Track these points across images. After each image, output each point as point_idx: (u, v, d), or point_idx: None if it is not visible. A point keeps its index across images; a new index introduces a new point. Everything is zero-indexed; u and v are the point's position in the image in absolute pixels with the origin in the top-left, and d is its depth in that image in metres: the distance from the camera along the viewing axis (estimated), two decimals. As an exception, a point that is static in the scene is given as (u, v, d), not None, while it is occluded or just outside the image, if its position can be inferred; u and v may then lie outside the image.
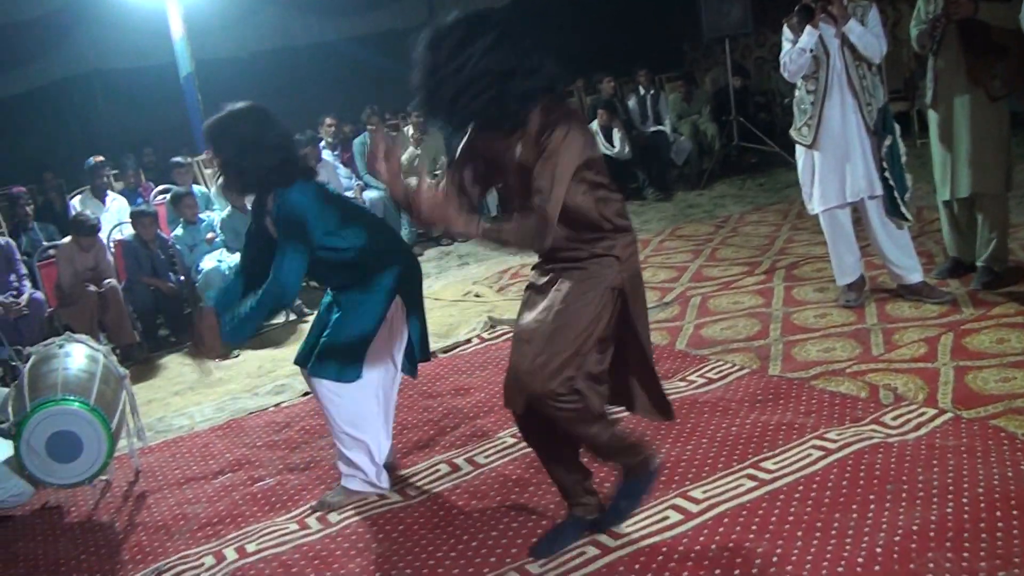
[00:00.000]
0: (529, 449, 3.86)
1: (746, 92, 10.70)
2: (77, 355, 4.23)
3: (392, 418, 3.83)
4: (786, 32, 4.89)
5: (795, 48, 4.78)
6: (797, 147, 5.05)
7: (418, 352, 3.77)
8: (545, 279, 2.90)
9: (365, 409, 3.62)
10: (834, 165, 4.86)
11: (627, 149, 9.73)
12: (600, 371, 2.93)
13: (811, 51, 4.76)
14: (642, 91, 10.59)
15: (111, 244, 7.37)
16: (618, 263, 2.83)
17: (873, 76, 4.81)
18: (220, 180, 3.53)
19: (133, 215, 7.30)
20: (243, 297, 3.49)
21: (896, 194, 4.82)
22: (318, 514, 3.69)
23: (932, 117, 5.09)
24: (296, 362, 3.78)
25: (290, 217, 3.38)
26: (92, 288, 6.75)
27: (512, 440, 4.01)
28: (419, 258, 8.26)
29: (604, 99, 10.28)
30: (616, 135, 9.75)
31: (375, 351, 3.59)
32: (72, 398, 3.86)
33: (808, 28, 4.72)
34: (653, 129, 10.26)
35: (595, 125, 9.90)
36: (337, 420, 3.59)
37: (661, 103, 10.58)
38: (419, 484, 3.82)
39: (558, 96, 2.84)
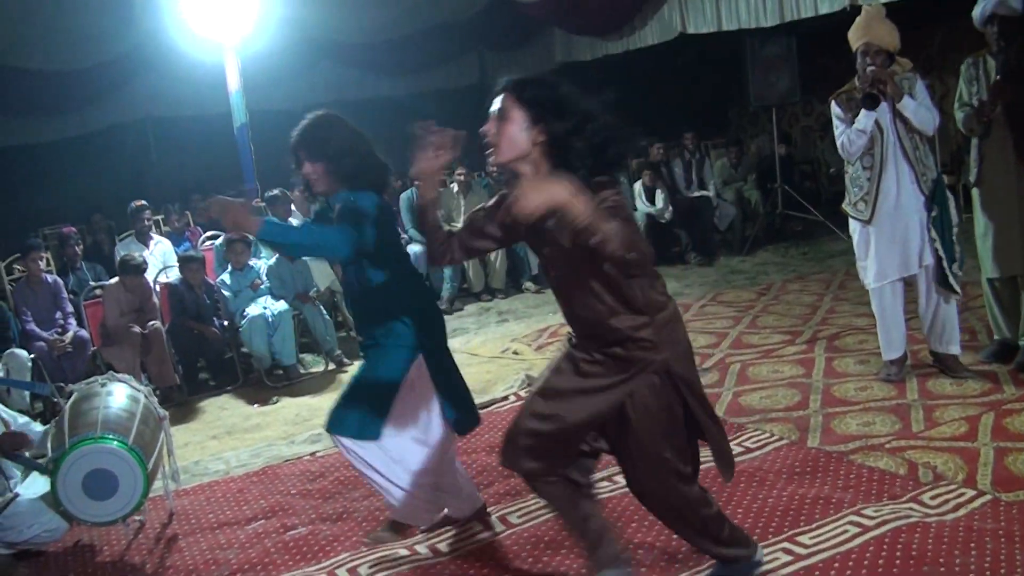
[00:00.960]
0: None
1: (791, 160, 10.73)
2: (119, 394, 4.26)
3: (456, 472, 3.82)
4: (835, 109, 4.89)
5: (853, 129, 4.75)
6: (852, 222, 5.02)
7: (449, 411, 3.69)
8: (591, 364, 2.84)
9: (393, 460, 3.60)
10: (892, 240, 4.82)
11: (669, 210, 9.77)
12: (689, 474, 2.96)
13: (869, 132, 4.73)
14: (687, 155, 10.64)
15: (156, 286, 7.48)
16: (656, 349, 2.77)
17: (925, 146, 4.80)
18: (317, 187, 3.58)
19: (181, 259, 7.42)
20: None
21: (945, 264, 4.78)
22: (348, 567, 3.67)
23: (976, 194, 5.06)
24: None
25: (353, 209, 3.42)
26: (136, 329, 6.85)
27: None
28: (459, 313, 8.48)
29: (650, 161, 10.34)
30: (659, 196, 9.81)
31: (400, 412, 3.57)
32: (111, 436, 3.88)
33: (864, 112, 4.68)
34: (697, 194, 10.28)
35: (638, 186, 9.96)
36: (368, 474, 3.59)
37: (706, 168, 10.61)
38: (451, 541, 3.80)
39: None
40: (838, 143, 4.91)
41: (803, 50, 10.13)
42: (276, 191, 8.39)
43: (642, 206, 9.88)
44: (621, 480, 4.05)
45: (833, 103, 4.92)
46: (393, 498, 3.65)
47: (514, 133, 2.73)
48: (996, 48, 4.79)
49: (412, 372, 3.56)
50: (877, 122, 4.73)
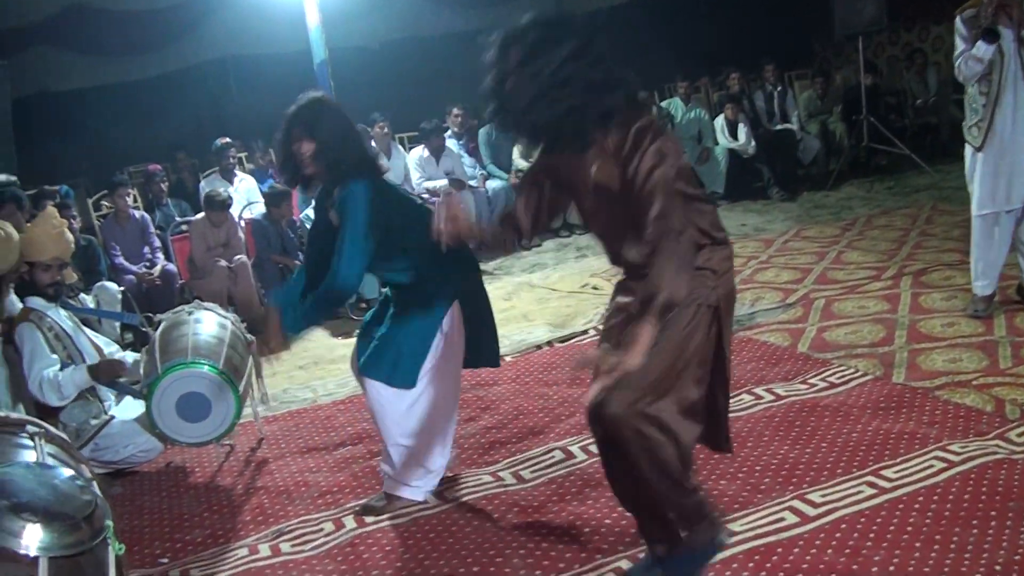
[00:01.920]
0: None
1: (877, 92, 10.39)
2: (207, 321, 4.37)
3: (452, 432, 3.76)
4: (959, 27, 4.67)
5: (971, 55, 4.58)
6: (967, 146, 4.85)
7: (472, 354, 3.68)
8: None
9: (418, 418, 3.55)
10: (997, 170, 4.67)
11: (752, 144, 9.60)
12: (694, 401, 2.61)
13: (986, 61, 4.55)
14: (769, 87, 10.40)
15: (241, 222, 7.62)
16: (714, 277, 2.61)
17: None
18: (307, 168, 3.44)
19: (267, 196, 7.52)
20: (303, 295, 3.49)
21: None
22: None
23: None
24: (352, 364, 3.77)
25: (357, 207, 3.34)
26: (223, 263, 7.01)
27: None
28: (537, 249, 8.47)
29: (731, 94, 10.14)
30: (742, 130, 9.64)
31: (437, 363, 3.53)
32: (202, 361, 3.99)
33: (983, 41, 4.50)
34: (780, 127, 10.07)
35: (720, 120, 9.79)
36: (386, 423, 3.54)
37: (788, 100, 10.36)
38: (533, 469, 3.86)
39: (636, 106, 2.58)
40: (955, 64, 4.72)
41: (889, -27, 9.76)
42: (358, 126, 8.45)
43: (724, 141, 9.72)
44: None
45: (958, 20, 4.70)
46: (391, 461, 3.61)
47: None
48: None
49: (446, 322, 3.52)
50: (1000, 46, 4.53)
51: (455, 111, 9.49)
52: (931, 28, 12.35)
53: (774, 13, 12.47)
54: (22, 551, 1.99)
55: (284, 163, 3.53)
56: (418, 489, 3.65)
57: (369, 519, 3.61)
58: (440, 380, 3.57)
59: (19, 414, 2.89)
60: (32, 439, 2.47)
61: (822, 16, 10.72)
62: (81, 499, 2.17)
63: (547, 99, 2.41)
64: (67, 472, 2.28)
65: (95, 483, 2.42)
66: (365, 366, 3.50)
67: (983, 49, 4.52)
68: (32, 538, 2.01)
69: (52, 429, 2.64)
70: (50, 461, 2.38)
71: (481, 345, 3.69)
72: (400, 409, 3.51)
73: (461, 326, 3.59)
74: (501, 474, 3.84)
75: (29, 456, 2.37)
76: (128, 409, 4.47)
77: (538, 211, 2.85)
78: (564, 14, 2.56)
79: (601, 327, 2.85)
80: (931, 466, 3.40)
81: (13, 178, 7.47)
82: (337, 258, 3.34)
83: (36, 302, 4.34)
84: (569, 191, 2.77)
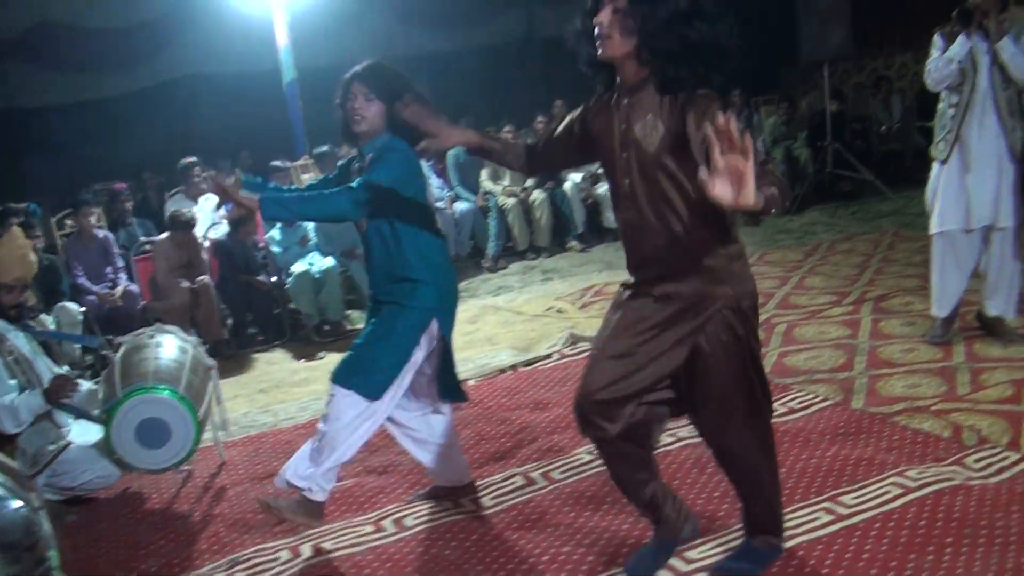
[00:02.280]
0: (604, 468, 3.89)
1: (843, 118, 10.54)
2: (168, 345, 4.34)
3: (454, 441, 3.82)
4: (936, 40, 4.69)
5: (943, 56, 4.59)
6: (934, 165, 4.84)
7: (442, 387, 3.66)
8: (661, 304, 2.71)
9: (362, 433, 3.50)
10: (960, 187, 4.68)
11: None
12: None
13: (959, 63, 4.56)
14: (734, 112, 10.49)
15: (206, 242, 7.58)
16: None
17: (1020, 102, 4.61)
18: (358, 125, 3.47)
19: (231, 218, 7.47)
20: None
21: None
22: (394, 518, 3.74)
23: None
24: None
25: (393, 158, 3.39)
26: (185, 284, 6.96)
27: (588, 457, 4.01)
28: (503, 272, 8.49)
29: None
30: None
31: (401, 382, 3.49)
32: (163, 387, 3.97)
33: (960, 38, 4.52)
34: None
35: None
36: (335, 429, 3.44)
37: (755, 125, 10.47)
38: (494, 495, 3.85)
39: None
40: (926, 70, 4.72)
41: (857, 3, 9.89)
42: (325, 147, 8.46)
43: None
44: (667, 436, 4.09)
45: (937, 34, 4.70)
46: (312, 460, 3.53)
47: (627, 26, 2.54)
48: None
49: (424, 338, 3.48)
50: (973, 60, 4.55)
51: (425, 132, 9.46)
52: (897, 56, 12.55)
53: (743, 38, 12.59)
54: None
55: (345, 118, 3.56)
56: (323, 490, 3.54)
57: (327, 545, 3.58)
58: (426, 388, 3.64)
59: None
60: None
61: (789, 42, 10.86)
62: (24, 529, 2.15)
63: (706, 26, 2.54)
64: (15, 503, 2.25)
65: (43, 512, 2.40)
66: (336, 375, 3.46)
67: (959, 45, 4.52)
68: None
69: (1, 457, 2.61)
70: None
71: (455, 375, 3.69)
72: (355, 418, 3.44)
73: (436, 348, 3.55)
74: (461, 500, 3.82)
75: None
76: (86, 434, 4.42)
77: (557, 146, 2.94)
78: None
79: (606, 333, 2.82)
80: (888, 492, 3.42)
81: (-22, 195, 7.42)
82: (342, 188, 3.39)
83: (-4, 324, 4.29)
84: (596, 147, 2.80)
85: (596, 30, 2.58)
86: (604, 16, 2.56)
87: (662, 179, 2.60)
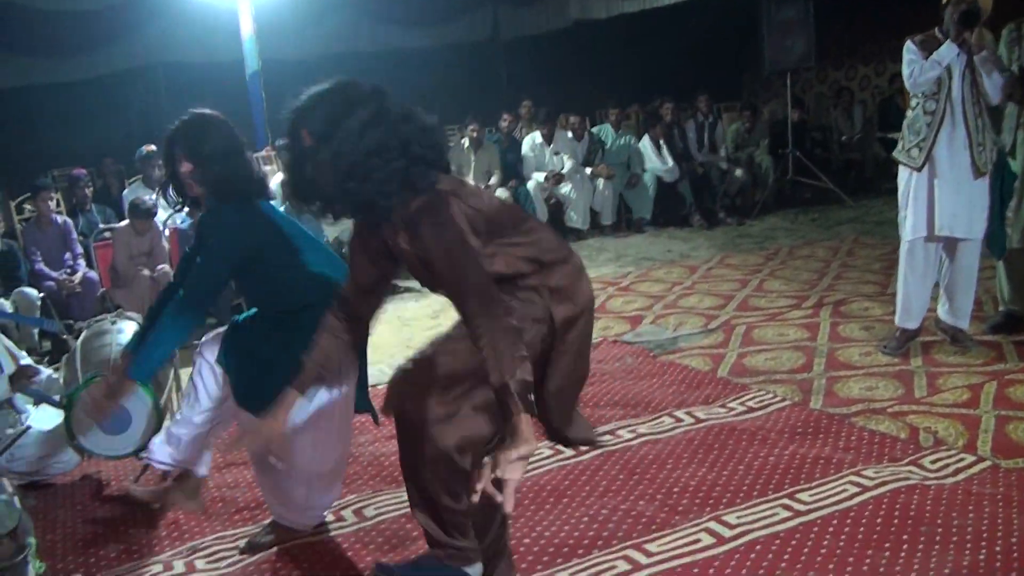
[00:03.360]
0: (568, 461, 3.92)
1: (804, 127, 10.69)
2: (129, 332, 4.25)
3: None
4: (910, 47, 4.70)
5: (930, 59, 4.59)
6: (901, 170, 4.89)
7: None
8: None
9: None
10: (932, 193, 4.72)
11: (672, 166, 9.84)
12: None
13: (944, 66, 4.59)
14: (700, 118, 10.61)
15: (166, 231, 7.50)
16: (551, 295, 2.50)
17: (986, 119, 4.69)
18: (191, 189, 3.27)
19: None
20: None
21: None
22: (354, 508, 3.72)
23: (1011, 163, 4.98)
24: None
25: (219, 230, 3.19)
26: (145, 272, 6.88)
27: (548, 451, 4.01)
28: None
29: (664, 123, 10.32)
30: (664, 152, 9.90)
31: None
32: (123, 374, 3.91)
33: (948, 43, 4.56)
34: (705, 159, 10.27)
35: (647, 140, 9.97)
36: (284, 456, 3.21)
37: (718, 131, 10.59)
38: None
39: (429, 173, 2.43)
40: (906, 73, 4.72)
41: (820, 15, 10.06)
42: (286, 140, 8.40)
43: (655, 162, 9.88)
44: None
45: (909, 42, 4.73)
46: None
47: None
48: None
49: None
50: (949, 69, 4.62)
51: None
52: (858, 68, 12.75)
53: (707, 45, 12.75)
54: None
55: (168, 183, 3.35)
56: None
57: (369, 511, 3.59)
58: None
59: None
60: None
61: (753, 51, 10.99)
62: (4, 517, 2.13)
63: (353, 172, 2.32)
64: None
65: (17, 498, 2.37)
66: (245, 398, 3.24)
67: (947, 48, 4.56)
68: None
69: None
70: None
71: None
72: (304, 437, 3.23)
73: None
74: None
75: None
76: (45, 419, 4.36)
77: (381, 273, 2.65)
78: (349, 81, 2.47)
79: None
80: (845, 490, 3.48)
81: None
82: (190, 280, 3.22)
83: (-50, 309, 4.23)
84: (391, 259, 2.58)
85: None
86: None
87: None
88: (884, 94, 12.05)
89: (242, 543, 3.52)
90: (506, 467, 2.09)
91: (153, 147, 8.33)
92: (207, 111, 3.37)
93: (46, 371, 4.39)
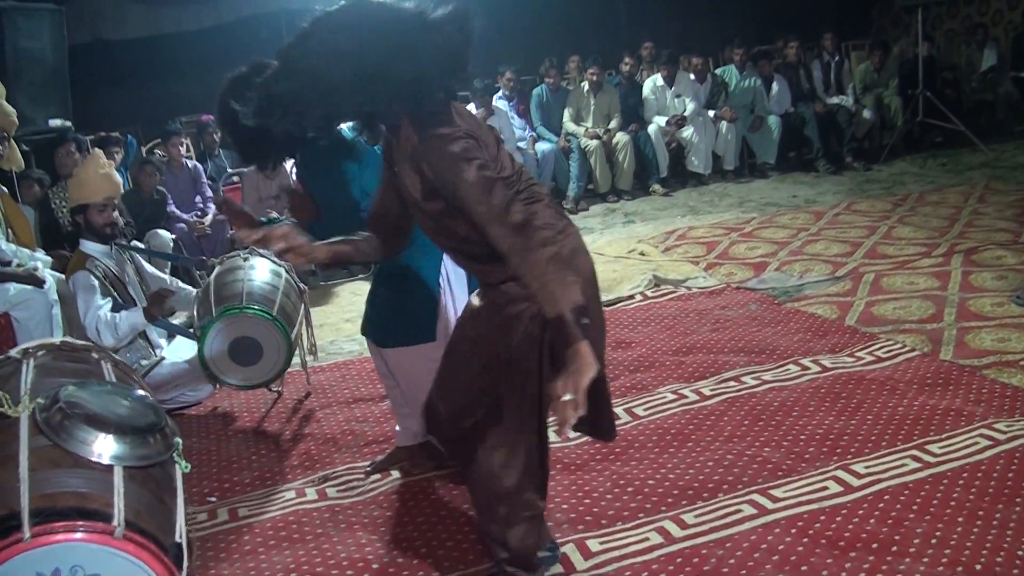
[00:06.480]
0: (692, 406, 3.91)
1: (933, 65, 10.20)
2: (261, 268, 4.40)
3: None
4: None
5: None
6: None
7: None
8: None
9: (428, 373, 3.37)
10: None
11: (788, 100, 9.66)
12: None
13: None
14: (827, 57, 10.23)
15: (293, 174, 7.65)
16: None
17: None
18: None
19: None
20: None
21: None
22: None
23: None
24: (362, 332, 3.60)
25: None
26: (274, 215, 7.05)
27: (672, 396, 4.04)
28: (584, 214, 8.48)
29: (788, 63, 10.04)
30: (775, 87, 9.68)
31: (445, 316, 3.36)
32: (256, 307, 4.02)
33: None
34: (835, 99, 9.91)
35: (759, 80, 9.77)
36: (417, 385, 3.30)
37: (844, 71, 10.20)
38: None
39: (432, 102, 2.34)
40: None
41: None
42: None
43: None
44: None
45: None
46: (407, 422, 3.58)
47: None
48: None
49: (444, 272, 3.36)
50: None
51: (508, 74, 9.35)
52: (992, 2, 12.09)
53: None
54: (95, 459, 2.08)
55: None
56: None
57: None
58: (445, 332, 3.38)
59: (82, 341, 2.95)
60: (99, 363, 2.55)
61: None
62: (152, 416, 2.26)
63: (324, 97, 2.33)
64: (139, 392, 2.36)
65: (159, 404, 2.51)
66: (383, 338, 3.41)
67: None
68: (106, 448, 2.11)
69: (114, 355, 2.72)
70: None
71: None
72: (427, 367, 3.22)
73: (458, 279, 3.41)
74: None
75: (99, 376, 2.46)
76: (179, 351, 4.56)
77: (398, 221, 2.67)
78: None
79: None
80: (976, 443, 3.40)
81: (68, 124, 7.58)
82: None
83: (90, 247, 4.41)
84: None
85: None
86: None
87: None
88: (1018, 29, 11.34)
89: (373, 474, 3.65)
90: (581, 396, 2.04)
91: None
92: None
93: (184, 288, 4.57)
